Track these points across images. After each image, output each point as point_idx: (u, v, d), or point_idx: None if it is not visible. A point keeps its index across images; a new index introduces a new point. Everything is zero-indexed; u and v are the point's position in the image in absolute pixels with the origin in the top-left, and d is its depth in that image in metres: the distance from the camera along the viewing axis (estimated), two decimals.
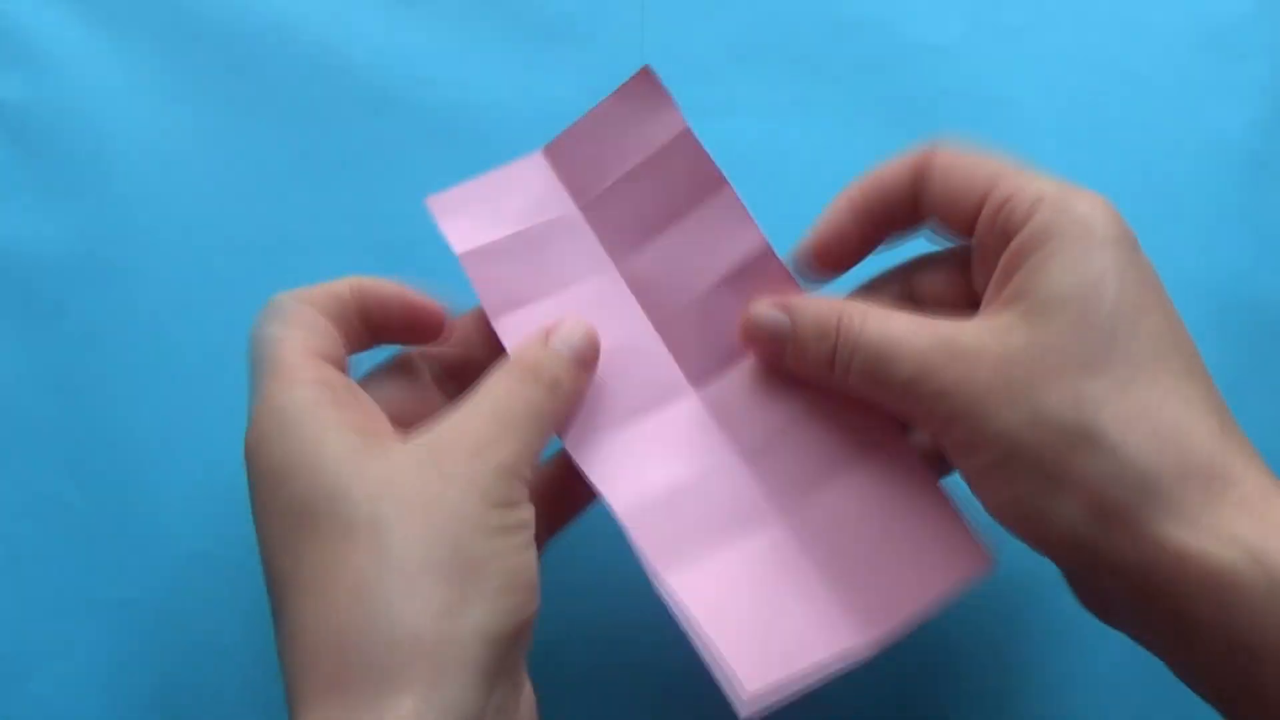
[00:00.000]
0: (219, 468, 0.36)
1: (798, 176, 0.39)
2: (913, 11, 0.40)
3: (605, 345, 0.31)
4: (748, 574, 0.30)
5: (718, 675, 0.27)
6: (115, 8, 0.40)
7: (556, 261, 0.33)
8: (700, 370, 0.32)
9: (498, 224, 0.33)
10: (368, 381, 0.30)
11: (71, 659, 0.35)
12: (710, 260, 0.32)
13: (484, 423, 0.26)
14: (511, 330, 0.31)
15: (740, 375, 0.32)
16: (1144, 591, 0.24)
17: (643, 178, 0.33)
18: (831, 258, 0.31)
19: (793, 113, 0.40)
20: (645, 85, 0.33)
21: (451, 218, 0.33)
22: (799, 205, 0.39)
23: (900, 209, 0.30)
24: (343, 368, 0.29)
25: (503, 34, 0.41)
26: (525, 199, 0.33)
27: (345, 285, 0.30)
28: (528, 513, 0.26)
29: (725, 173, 0.32)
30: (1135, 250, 0.27)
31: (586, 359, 0.30)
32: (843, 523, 0.30)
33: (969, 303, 0.30)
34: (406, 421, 0.28)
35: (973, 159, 0.29)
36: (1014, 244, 0.27)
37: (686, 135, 0.32)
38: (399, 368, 0.31)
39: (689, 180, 0.32)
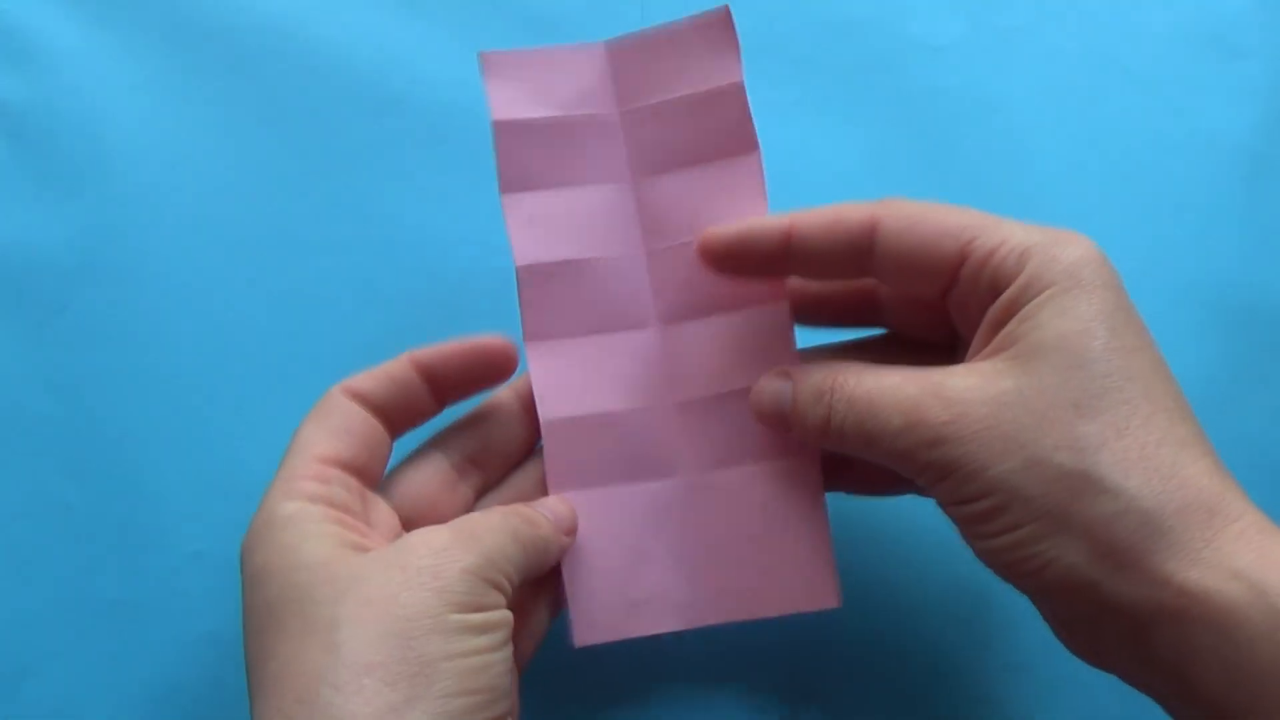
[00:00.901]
0: (219, 468, 0.36)
1: (798, 176, 0.39)
2: (913, 11, 0.40)
3: (594, 254, 0.33)
4: (631, 513, 0.32)
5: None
6: (115, 8, 0.40)
7: (581, 157, 0.33)
8: (671, 310, 0.33)
9: (539, 103, 0.33)
10: (392, 476, 0.31)
11: (71, 659, 0.35)
12: (715, 213, 0.32)
13: (454, 530, 0.27)
14: (516, 210, 0.32)
15: (704, 331, 0.33)
16: (1145, 630, 0.24)
17: (686, 110, 0.33)
18: (731, 260, 0.31)
19: (793, 113, 0.40)
20: (719, 25, 0.33)
21: (499, 80, 0.33)
22: (796, 205, 0.39)
23: (845, 250, 0.29)
24: (374, 463, 0.30)
25: (503, 34, 0.41)
26: (573, 86, 0.34)
27: (400, 363, 0.31)
28: (499, 616, 0.26)
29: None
30: (1122, 294, 0.27)
31: (567, 528, 0.31)
32: (733, 505, 0.32)
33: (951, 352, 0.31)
34: (434, 514, 0.30)
35: (933, 211, 0.28)
36: (1004, 297, 0.27)
37: (738, 88, 0.33)
38: (419, 460, 0.32)
39: (725, 131, 0.33)
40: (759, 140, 0.32)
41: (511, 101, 0.33)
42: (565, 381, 0.32)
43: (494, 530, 0.28)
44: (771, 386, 0.30)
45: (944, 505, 0.27)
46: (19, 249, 0.38)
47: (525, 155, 0.33)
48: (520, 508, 0.30)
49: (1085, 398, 0.25)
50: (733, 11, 0.40)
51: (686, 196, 0.33)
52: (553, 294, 0.32)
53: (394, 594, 0.25)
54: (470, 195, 0.39)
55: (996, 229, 0.28)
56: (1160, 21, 0.40)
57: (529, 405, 0.32)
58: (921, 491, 0.32)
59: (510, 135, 0.33)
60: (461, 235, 0.38)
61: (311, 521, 0.27)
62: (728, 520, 0.32)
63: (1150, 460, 0.24)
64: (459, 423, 0.32)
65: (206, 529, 0.36)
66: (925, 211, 0.28)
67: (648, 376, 0.33)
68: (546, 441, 0.32)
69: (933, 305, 0.30)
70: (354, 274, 0.38)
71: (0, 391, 0.37)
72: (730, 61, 0.33)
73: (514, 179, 0.33)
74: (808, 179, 0.39)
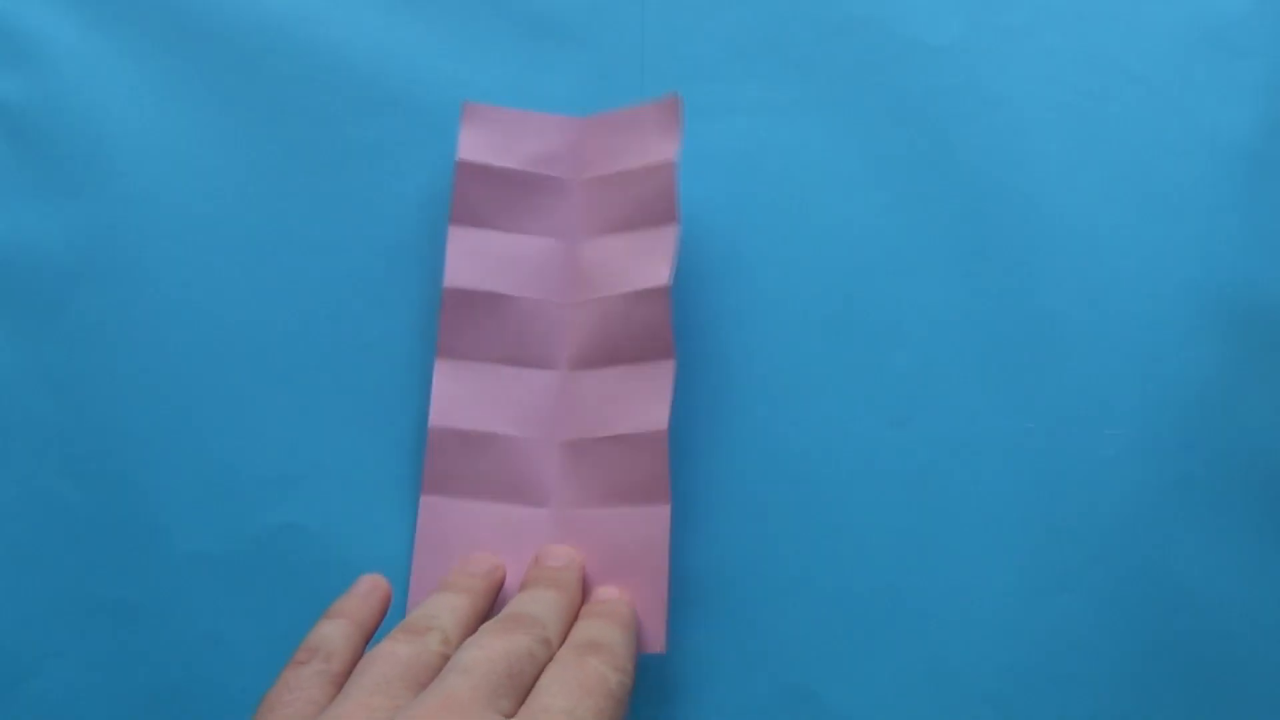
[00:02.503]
0: (219, 468, 0.36)
1: (797, 176, 0.39)
2: (912, 11, 0.40)
3: (519, 294, 0.36)
4: (490, 530, 0.35)
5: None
6: (115, 8, 0.40)
7: (530, 210, 0.37)
8: (579, 357, 0.36)
9: (504, 155, 0.37)
10: None
11: (71, 659, 0.35)
12: (627, 275, 0.36)
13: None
14: (460, 241, 0.36)
15: (600, 379, 0.36)
16: None
17: (627, 182, 0.37)
18: None
19: (793, 113, 0.40)
20: (668, 110, 0.37)
21: (473, 128, 0.37)
22: (797, 204, 0.39)
23: None
24: None
25: (503, 34, 0.41)
26: (541, 148, 0.38)
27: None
28: None
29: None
30: None
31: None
32: (590, 543, 0.34)
33: None
34: None
35: None
36: None
37: (670, 166, 0.36)
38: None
39: (654, 202, 0.36)
40: (679, 214, 0.35)
41: (479, 147, 0.37)
42: (462, 399, 0.35)
43: None
44: None
45: None
46: (19, 249, 0.38)
47: (478, 196, 0.36)
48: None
49: None
50: (732, 10, 0.40)
51: (611, 258, 0.36)
52: (471, 319, 0.35)
53: None
54: None
55: None
56: (1160, 21, 0.40)
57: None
58: None
59: (469, 176, 0.36)
60: None
61: None
62: (586, 556, 0.34)
63: None
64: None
65: (206, 529, 0.36)
66: None
67: (542, 412, 0.36)
68: (429, 448, 0.35)
69: None
70: (354, 274, 0.38)
71: (0, 391, 0.37)
72: (670, 142, 0.36)
73: (464, 214, 0.36)
74: (808, 179, 0.39)
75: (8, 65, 0.40)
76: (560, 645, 0.30)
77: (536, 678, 0.29)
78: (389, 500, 0.36)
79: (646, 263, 0.35)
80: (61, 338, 0.37)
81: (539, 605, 0.31)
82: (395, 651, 0.29)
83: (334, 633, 0.31)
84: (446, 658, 0.29)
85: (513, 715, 0.27)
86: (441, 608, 0.31)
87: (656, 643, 0.33)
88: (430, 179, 0.39)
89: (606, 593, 0.33)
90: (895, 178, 0.39)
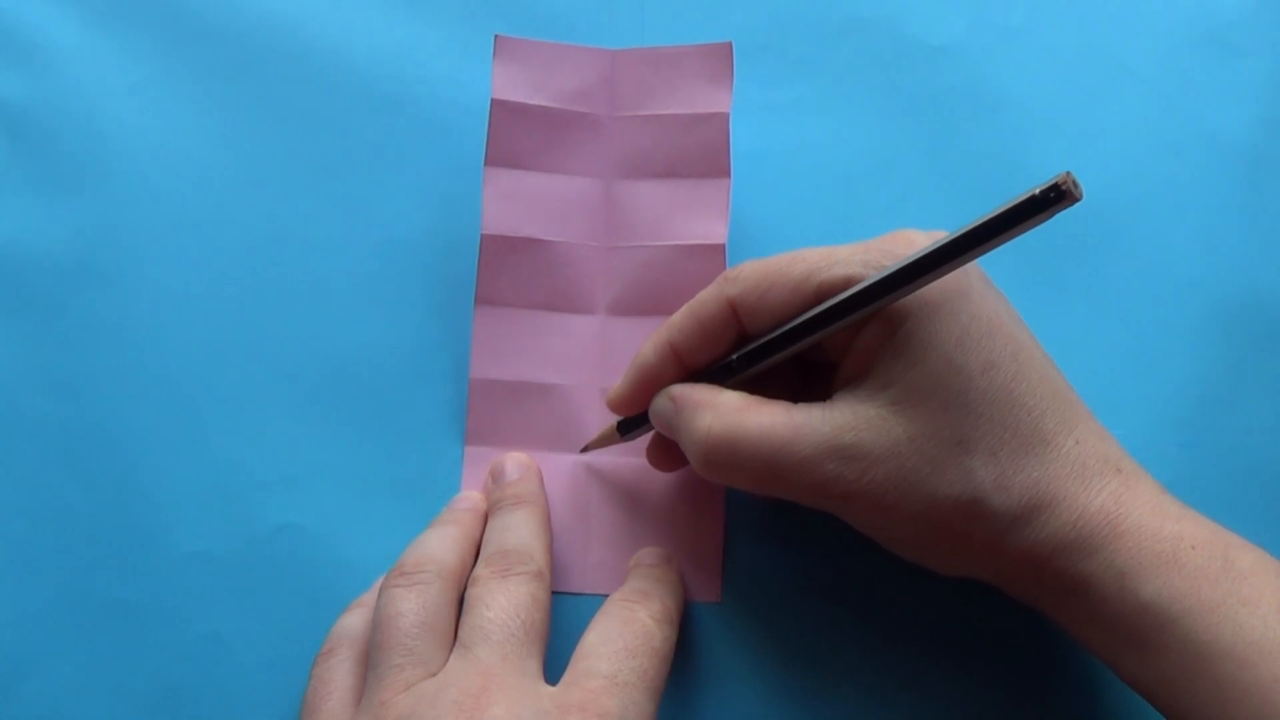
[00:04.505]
0: (219, 468, 0.36)
1: (798, 176, 0.39)
2: (914, 11, 0.40)
3: (558, 238, 0.36)
4: (543, 478, 0.35)
5: None
6: (115, 7, 0.40)
7: (566, 148, 0.37)
8: (617, 303, 0.36)
9: (538, 91, 0.36)
10: None
11: (71, 659, 0.35)
12: (677, 226, 0.36)
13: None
14: (496, 183, 0.36)
15: (642, 328, 0.35)
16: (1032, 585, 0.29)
17: (673, 126, 0.36)
18: (643, 402, 0.33)
19: (793, 113, 0.40)
20: (719, 57, 0.36)
21: (506, 62, 0.36)
22: (798, 205, 0.39)
23: (720, 338, 0.31)
24: None
25: (502, 33, 0.41)
26: (574, 82, 0.37)
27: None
28: None
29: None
30: (971, 296, 0.29)
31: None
32: (639, 491, 0.35)
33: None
34: None
35: (777, 270, 0.30)
36: (865, 332, 0.29)
37: (723, 118, 0.36)
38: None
39: (704, 154, 0.36)
40: (730, 169, 0.35)
41: (513, 84, 0.36)
42: (503, 347, 0.35)
43: None
44: (659, 403, 0.32)
45: (853, 523, 0.30)
46: (19, 249, 0.38)
47: (515, 135, 0.36)
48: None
49: (965, 432, 0.28)
50: (732, 10, 0.40)
51: (655, 204, 0.36)
52: (510, 265, 0.35)
53: None
54: (471, 195, 0.39)
55: (834, 265, 0.29)
56: (1160, 21, 0.40)
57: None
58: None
59: (505, 114, 0.36)
60: (461, 235, 0.38)
61: None
62: (631, 503, 0.35)
63: (1017, 475, 0.28)
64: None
65: (206, 529, 0.36)
66: (770, 274, 0.30)
67: (581, 358, 0.35)
68: (471, 398, 0.35)
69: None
70: (354, 274, 0.38)
71: (0, 391, 0.37)
72: (722, 92, 0.36)
73: (499, 155, 0.36)
74: (808, 179, 0.39)
75: (8, 65, 0.40)
76: (548, 565, 0.32)
77: (549, 615, 0.30)
78: (389, 500, 0.36)
79: (698, 217, 0.35)
80: (61, 338, 0.37)
81: (517, 532, 0.32)
82: (400, 610, 0.30)
83: (355, 620, 0.32)
84: (448, 590, 0.31)
85: (539, 663, 0.29)
86: (429, 542, 0.32)
87: (711, 591, 0.34)
88: (430, 179, 0.39)
89: (653, 555, 0.34)
90: (895, 178, 0.39)
